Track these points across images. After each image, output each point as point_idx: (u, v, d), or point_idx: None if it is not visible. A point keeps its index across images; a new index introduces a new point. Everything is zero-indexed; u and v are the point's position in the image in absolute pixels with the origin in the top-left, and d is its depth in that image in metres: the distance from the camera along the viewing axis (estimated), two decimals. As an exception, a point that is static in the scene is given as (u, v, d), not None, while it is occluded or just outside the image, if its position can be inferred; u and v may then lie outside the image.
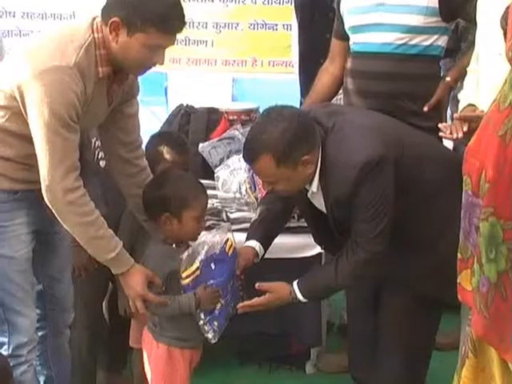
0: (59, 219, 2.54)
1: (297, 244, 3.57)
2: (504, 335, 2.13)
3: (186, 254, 2.62)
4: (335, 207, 2.72)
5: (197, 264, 2.64)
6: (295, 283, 2.83)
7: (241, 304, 2.82)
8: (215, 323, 2.72)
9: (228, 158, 3.92)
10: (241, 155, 3.76)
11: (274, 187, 2.72)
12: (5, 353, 2.70)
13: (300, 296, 2.82)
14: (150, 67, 2.55)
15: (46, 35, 2.65)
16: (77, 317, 3.03)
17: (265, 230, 3.04)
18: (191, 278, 2.65)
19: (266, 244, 3.04)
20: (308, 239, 3.53)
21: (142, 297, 2.64)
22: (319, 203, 2.82)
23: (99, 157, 3.20)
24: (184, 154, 3.22)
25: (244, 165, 3.76)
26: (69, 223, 2.54)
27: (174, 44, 2.52)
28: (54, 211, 2.52)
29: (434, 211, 2.76)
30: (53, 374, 2.96)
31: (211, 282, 2.68)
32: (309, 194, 2.81)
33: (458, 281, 2.35)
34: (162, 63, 2.53)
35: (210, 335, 2.71)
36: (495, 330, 2.15)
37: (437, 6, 3.15)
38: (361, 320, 3.23)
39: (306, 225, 3.52)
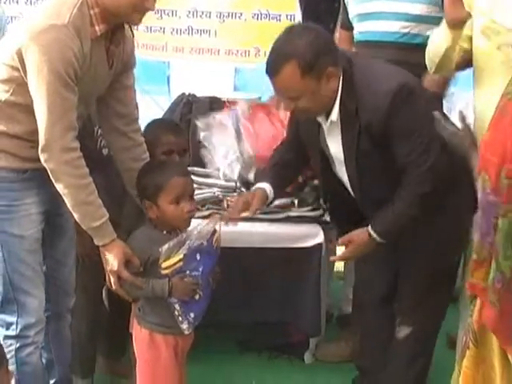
0: (53, 179, 2.54)
1: (298, 233, 3.56)
2: None
3: (166, 245, 2.60)
4: (359, 139, 2.71)
5: (180, 256, 2.62)
6: (370, 228, 2.83)
7: (332, 258, 3.06)
8: (191, 314, 2.70)
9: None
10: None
11: (296, 105, 2.68)
12: (12, 333, 2.72)
13: (378, 239, 2.83)
14: (144, 12, 2.54)
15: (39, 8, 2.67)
16: (76, 302, 3.04)
17: (276, 175, 3.05)
18: (171, 269, 2.64)
19: (276, 189, 3.03)
20: (308, 229, 3.57)
21: (117, 273, 2.65)
22: (335, 139, 2.81)
23: (102, 145, 3.20)
24: (180, 136, 3.23)
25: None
26: (62, 184, 2.54)
27: None
28: (49, 171, 2.52)
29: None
30: (53, 358, 2.98)
31: (194, 273, 2.67)
32: (326, 127, 2.80)
33: (470, 279, 2.35)
34: (152, 8, 2.53)
35: (184, 326, 2.70)
36: (505, 324, 2.16)
37: None
38: (374, 312, 3.23)
39: (306, 214, 3.55)
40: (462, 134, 2.43)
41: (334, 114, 2.73)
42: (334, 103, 2.70)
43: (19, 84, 2.52)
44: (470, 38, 2.86)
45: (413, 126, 2.66)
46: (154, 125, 3.27)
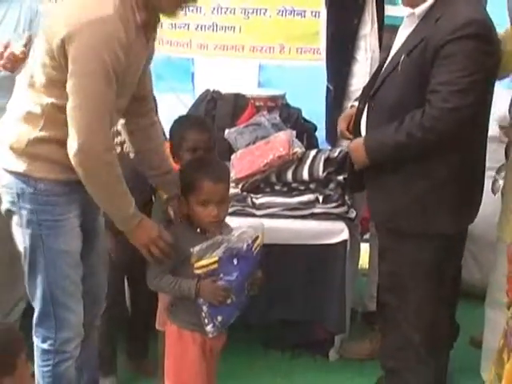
0: (89, 180, 2.45)
1: (323, 230, 3.55)
2: None
3: (198, 247, 2.57)
4: (418, 44, 2.78)
5: (215, 258, 2.59)
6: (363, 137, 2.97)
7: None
8: (218, 318, 2.67)
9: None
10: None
11: None
12: (50, 347, 2.66)
13: (365, 152, 2.93)
14: (183, 8, 2.50)
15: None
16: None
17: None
18: (205, 269, 2.61)
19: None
20: (333, 226, 3.55)
21: (160, 237, 2.61)
22: (403, 34, 2.90)
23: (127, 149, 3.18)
24: (205, 132, 3.20)
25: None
26: (100, 184, 2.46)
27: None
28: (85, 173, 2.43)
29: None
30: (81, 363, 2.86)
31: (227, 277, 2.63)
32: (406, 16, 2.92)
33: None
34: (195, 2, 2.51)
35: (209, 328, 2.67)
36: None
37: None
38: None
39: (331, 211, 3.53)
40: None
41: (420, 9, 2.83)
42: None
43: (65, 86, 2.41)
44: None
45: (465, 63, 2.71)
46: (179, 122, 3.28)
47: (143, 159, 2.84)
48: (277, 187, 3.65)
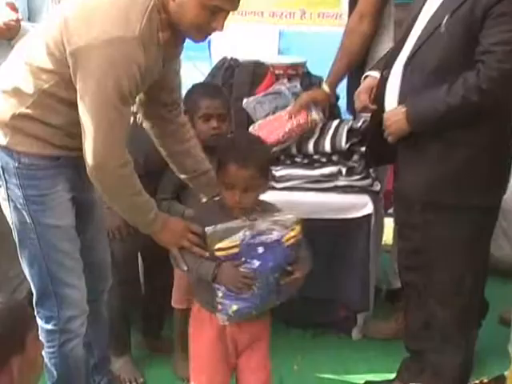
0: (106, 193, 2.46)
1: (346, 204, 3.47)
2: None
3: (211, 228, 2.46)
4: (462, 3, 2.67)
5: (236, 242, 2.46)
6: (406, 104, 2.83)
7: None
8: (233, 307, 2.51)
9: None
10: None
11: None
12: (55, 327, 2.61)
13: (407, 119, 2.80)
14: (209, 32, 2.41)
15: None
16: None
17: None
18: (225, 252, 2.48)
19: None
20: (357, 199, 3.48)
21: (188, 229, 2.55)
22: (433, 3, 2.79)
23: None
24: (217, 99, 3.20)
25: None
26: (119, 196, 2.46)
27: (235, 9, 2.38)
28: (102, 187, 2.44)
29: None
30: (91, 340, 2.83)
31: (250, 265, 2.48)
32: None
33: None
34: (220, 29, 2.37)
35: (220, 315, 2.54)
36: None
37: None
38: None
39: (354, 184, 3.46)
40: None
41: None
42: None
43: (64, 79, 2.37)
44: None
45: None
46: (192, 90, 3.26)
47: (176, 162, 2.82)
48: (297, 159, 3.57)
